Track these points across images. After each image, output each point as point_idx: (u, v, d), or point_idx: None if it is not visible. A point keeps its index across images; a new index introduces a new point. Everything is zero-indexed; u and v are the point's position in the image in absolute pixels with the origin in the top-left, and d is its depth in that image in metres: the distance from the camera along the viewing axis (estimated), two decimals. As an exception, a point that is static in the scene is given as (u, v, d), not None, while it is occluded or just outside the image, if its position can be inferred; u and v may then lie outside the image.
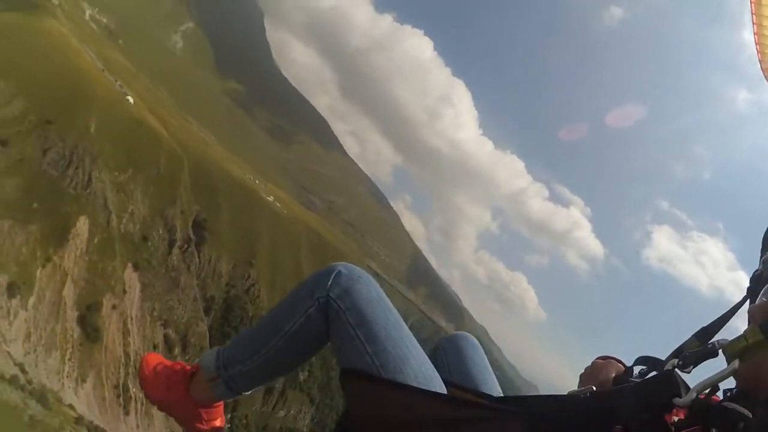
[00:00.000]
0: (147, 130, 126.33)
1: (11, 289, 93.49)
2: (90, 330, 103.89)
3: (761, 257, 2.40)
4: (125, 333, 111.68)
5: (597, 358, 2.29)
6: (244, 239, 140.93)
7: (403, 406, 1.99)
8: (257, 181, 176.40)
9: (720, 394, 1.70)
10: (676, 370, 1.86)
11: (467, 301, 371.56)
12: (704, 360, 1.81)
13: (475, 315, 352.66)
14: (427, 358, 2.21)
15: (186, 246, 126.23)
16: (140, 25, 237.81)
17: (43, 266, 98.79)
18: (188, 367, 2.53)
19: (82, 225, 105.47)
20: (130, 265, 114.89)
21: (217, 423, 2.59)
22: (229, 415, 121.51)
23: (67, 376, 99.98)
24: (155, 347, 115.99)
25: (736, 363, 1.59)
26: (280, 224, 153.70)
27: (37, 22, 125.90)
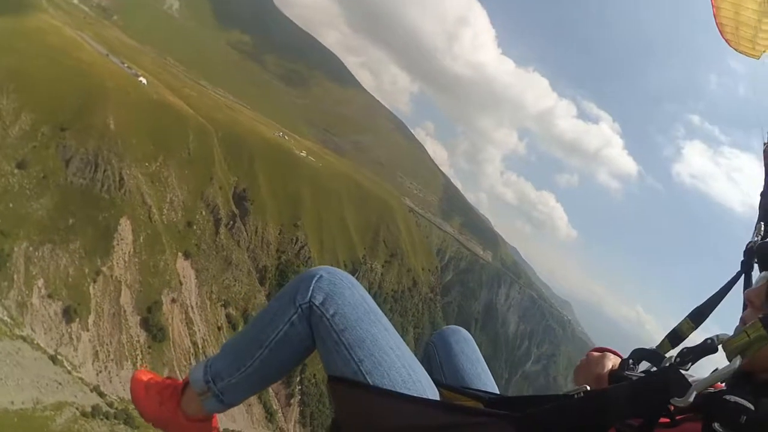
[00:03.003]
0: (168, 110, 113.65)
1: (68, 314, 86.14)
2: (155, 330, 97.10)
3: (755, 229, 2.35)
4: (189, 323, 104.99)
5: (592, 350, 2.13)
6: (286, 201, 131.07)
7: (392, 414, 1.88)
8: (286, 137, 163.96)
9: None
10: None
11: (497, 224, 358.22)
12: (703, 356, 1.67)
13: (506, 237, 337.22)
14: (416, 360, 2.09)
15: (231, 222, 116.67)
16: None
17: (95, 281, 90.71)
18: (179, 382, 2.40)
19: (125, 227, 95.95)
20: (180, 254, 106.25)
21: None
22: (298, 378, 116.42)
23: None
24: (219, 329, 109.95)
25: (737, 361, 1.50)
26: (318, 179, 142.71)
27: (26, 20, 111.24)
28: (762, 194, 2.52)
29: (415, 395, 1.92)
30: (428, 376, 2.08)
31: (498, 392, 2.50)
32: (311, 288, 2.01)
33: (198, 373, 2.23)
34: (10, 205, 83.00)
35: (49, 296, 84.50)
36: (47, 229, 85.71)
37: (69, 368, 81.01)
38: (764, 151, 2.84)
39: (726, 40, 3.67)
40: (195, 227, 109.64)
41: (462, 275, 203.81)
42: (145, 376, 2.44)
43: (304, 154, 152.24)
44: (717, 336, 1.63)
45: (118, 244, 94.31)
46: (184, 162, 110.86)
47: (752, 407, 1.36)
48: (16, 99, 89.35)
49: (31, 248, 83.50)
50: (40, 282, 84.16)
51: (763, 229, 2.38)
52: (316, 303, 1.99)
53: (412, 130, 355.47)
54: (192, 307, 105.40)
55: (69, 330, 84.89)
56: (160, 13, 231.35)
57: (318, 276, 2.04)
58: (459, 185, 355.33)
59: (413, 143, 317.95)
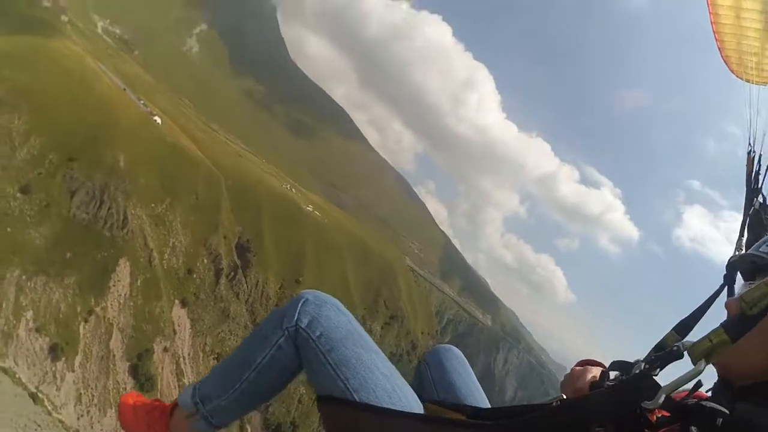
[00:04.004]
0: (180, 152, 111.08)
1: (54, 352, 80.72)
2: (143, 379, 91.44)
3: (737, 244, 2.59)
4: (179, 374, 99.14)
5: (576, 365, 2.21)
6: (290, 256, 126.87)
7: (379, 429, 1.97)
8: (293, 190, 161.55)
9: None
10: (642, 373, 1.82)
11: (495, 285, 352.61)
12: (670, 362, 1.75)
13: (504, 299, 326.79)
14: (400, 376, 2.17)
15: (233, 273, 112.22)
16: (154, 33, 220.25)
17: (86, 321, 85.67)
18: (166, 404, 2.43)
19: (123, 269, 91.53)
20: (177, 302, 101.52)
21: None
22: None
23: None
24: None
25: (702, 364, 1.57)
26: (323, 235, 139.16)
27: (48, 43, 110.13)
28: (744, 209, 2.75)
29: (400, 410, 2.00)
30: (413, 391, 2.16)
31: (488, 407, 2.55)
32: (297, 311, 2.09)
33: (187, 395, 2.27)
34: (8, 229, 79.10)
35: (37, 330, 79.48)
36: (43, 260, 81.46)
37: (50, 408, 75.69)
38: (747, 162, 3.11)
39: (732, 71, 3.74)
40: (195, 275, 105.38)
41: (460, 339, 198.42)
42: (131, 399, 2.44)
43: (310, 208, 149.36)
44: (682, 343, 1.71)
45: (114, 285, 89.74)
46: (191, 207, 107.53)
47: (727, 411, 1.43)
48: (28, 121, 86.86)
49: (24, 277, 79.04)
50: (29, 314, 79.28)
51: (744, 243, 2.59)
52: (302, 325, 2.07)
53: (414, 188, 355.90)
54: (184, 358, 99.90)
55: (54, 368, 79.50)
56: (179, 54, 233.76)
57: (304, 300, 2.13)
58: (458, 245, 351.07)
59: (416, 202, 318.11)
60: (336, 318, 2.10)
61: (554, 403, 1.91)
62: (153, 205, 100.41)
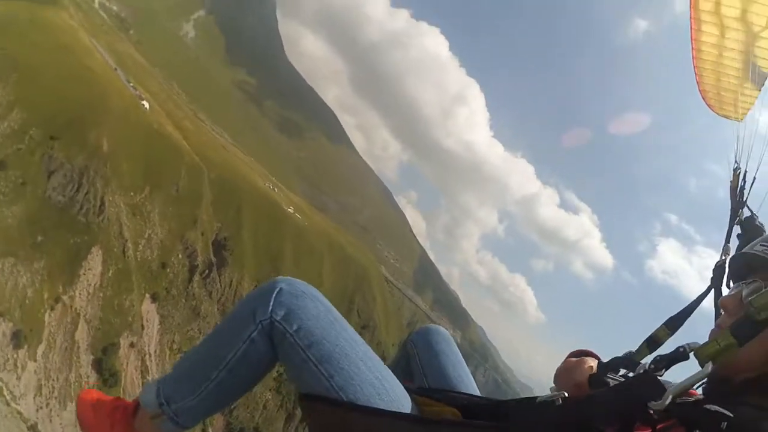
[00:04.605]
0: (165, 141, 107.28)
1: (17, 339, 76.46)
2: (107, 375, 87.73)
3: (723, 250, 2.84)
4: (144, 371, 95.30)
5: (570, 355, 2.09)
6: (267, 257, 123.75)
7: (368, 430, 1.86)
8: (276, 189, 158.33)
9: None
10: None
11: (466, 301, 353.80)
12: (675, 363, 1.73)
13: (474, 315, 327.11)
14: (387, 369, 2.02)
15: (207, 271, 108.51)
16: (151, 13, 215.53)
17: (52, 308, 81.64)
18: (128, 402, 2.25)
19: (95, 257, 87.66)
20: (148, 296, 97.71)
21: None
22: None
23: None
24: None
25: (708, 366, 1.55)
26: (303, 238, 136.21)
27: (45, 12, 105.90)
28: (730, 220, 3.09)
29: (390, 409, 1.88)
30: (400, 384, 2.01)
31: (479, 394, 2.51)
32: (271, 302, 1.90)
33: (150, 395, 2.07)
34: (-22, 205, 74.77)
35: (0, 314, 74.94)
36: (13, 241, 77.17)
37: (8, 398, 71.83)
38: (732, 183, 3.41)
39: (709, 106, 3.94)
40: (168, 270, 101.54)
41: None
42: (91, 396, 2.25)
43: (291, 210, 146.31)
44: (688, 344, 1.68)
45: (84, 274, 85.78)
46: (171, 199, 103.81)
47: (731, 414, 1.40)
48: (12, 92, 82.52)
49: (-10, 258, 74.68)
50: (-6, 297, 74.89)
51: (731, 250, 2.85)
52: (277, 318, 1.89)
53: (395, 197, 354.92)
54: (150, 355, 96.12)
55: (15, 356, 75.20)
56: (174, 38, 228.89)
57: (278, 289, 1.94)
58: (433, 257, 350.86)
59: (396, 211, 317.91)
60: (314, 308, 1.91)
61: (556, 403, 1.80)
62: (132, 193, 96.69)
